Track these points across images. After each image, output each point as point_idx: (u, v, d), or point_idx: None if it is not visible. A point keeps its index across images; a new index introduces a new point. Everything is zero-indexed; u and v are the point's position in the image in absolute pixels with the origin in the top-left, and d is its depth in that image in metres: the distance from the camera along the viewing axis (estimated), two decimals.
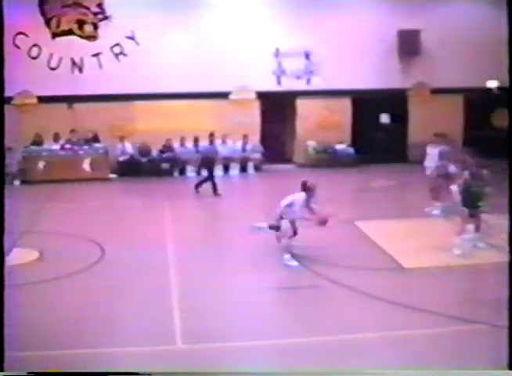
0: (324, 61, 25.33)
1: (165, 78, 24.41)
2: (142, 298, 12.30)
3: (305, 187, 14.61)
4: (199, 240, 16.37)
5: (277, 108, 25.86)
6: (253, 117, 25.66)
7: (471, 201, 15.01)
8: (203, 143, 23.34)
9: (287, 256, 14.42)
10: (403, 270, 14.14)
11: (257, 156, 25.50)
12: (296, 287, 13.08)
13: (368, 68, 25.70)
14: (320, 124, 26.00)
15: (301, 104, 26.12)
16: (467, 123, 26.74)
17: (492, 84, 24.87)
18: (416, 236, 16.30)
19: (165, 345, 10.33)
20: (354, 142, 26.15)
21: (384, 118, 26.86)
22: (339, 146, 26.03)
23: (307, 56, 25.67)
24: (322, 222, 14.51)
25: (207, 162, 21.76)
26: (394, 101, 26.17)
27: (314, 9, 24.93)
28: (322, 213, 14.62)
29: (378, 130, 26.36)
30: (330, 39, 25.21)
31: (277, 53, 25.53)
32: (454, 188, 15.29)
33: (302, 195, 14.55)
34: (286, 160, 26.69)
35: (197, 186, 21.52)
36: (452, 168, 17.47)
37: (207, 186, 21.37)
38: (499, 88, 24.32)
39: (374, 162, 24.96)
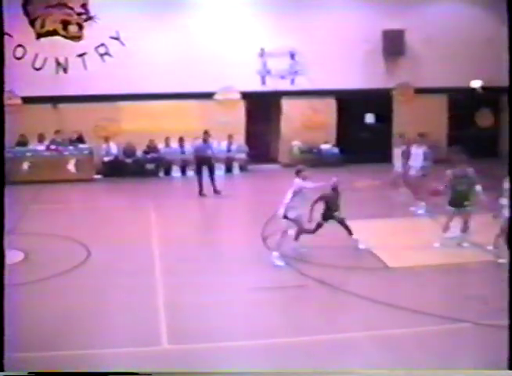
0: (309, 61, 25.38)
1: (150, 79, 24.39)
2: (127, 299, 12.29)
3: (297, 172, 14.71)
4: (184, 240, 16.36)
5: (262, 108, 25.90)
6: (238, 117, 25.68)
7: (457, 200, 15.12)
8: (193, 143, 23.13)
9: (276, 254, 14.46)
10: (388, 269, 14.20)
11: (243, 156, 25.53)
12: (282, 286, 13.09)
13: (352, 68, 25.78)
14: (305, 124, 26.06)
15: (285, 104, 26.17)
16: (451, 122, 26.87)
17: (476, 83, 25.01)
18: (400, 235, 16.39)
19: (151, 345, 10.35)
20: (339, 142, 26.23)
21: (369, 118, 26.94)
22: (324, 146, 26.10)
23: (292, 56, 25.71)
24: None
25: (204, 161, 21.70)
26: (379, 101, 26.27)
27: (299, 9, 25.00)
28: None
29: (363, 130, 26.46)
30: (315, 39, 25.26)
31: (262, 53, 25.55)
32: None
33: (297, 181, 14.59)
34: (272, 160, 26.73)
35: (200, 190, 21.41)
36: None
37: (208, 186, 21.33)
38: (483, 88, 24.44)
39: (359, 162, 25.02)
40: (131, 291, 12.63)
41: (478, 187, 15.03)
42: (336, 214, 15.33)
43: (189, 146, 24.68)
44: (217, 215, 20.13)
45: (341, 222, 15.33)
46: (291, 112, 26.05)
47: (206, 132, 21.99)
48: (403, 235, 16.39)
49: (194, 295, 12.50)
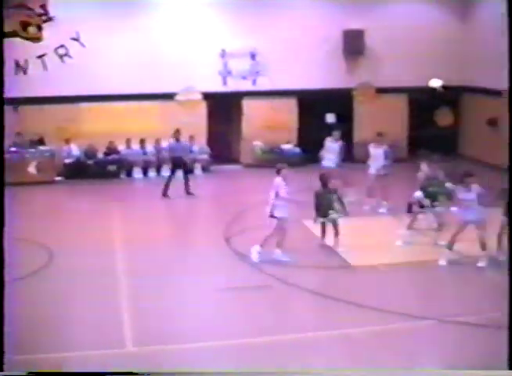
0: (270, 61, 25.42)
1: (111, 80, 24.24)
2: (90, 302, 12.26)
3: (277, 171, 14.87)
4: (148, 241, 16.33)
5: (223, 109, 25.89)
6: (199, 117, 25.62)
7: (428, 201, 15.32)
8: (169, 143, 22.83)
9: (278, 251, 14.56)
10: (351, 268, 14.32)
11: (205, 157, 25.49)
12: (246, 287, 13.14)
13: (313, 68, 25.87)
14: (266, 124, 26.07)
15: (247, 105, 26.18)
16: (412, 122, 27.09)
17: (436, 83, 25.24)
18: (363, 234, 16.52)
19: (116, 348, 10.33)
20: (300, 142, 26.30)
21: (330, 118, 27.02)
22: (285, 146, 26.16)
23: (252, 56, 25.74)
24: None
25: (178, 161, 21.61)
26: (340, 101, 26.37)
27: (259, 9, 25.02)
28: None
29: (324, 130, 26.50)
30: (276, 40, 25.31)
31: (223, 54, 25.54)
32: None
33: (278, 180, 14.76)
34: (234, 160, 26.74)
35: (165, 191, 21.29)
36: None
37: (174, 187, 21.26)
38: (443, 87, 24.66)
39: (321, 161, 25.05)
40: (95, 294, 12.59)
41: (449, 184, 15.20)
42: (330, 212, 15.28)
43: (154, 147, 24.72)
44: (181, 216, 20.10)
45: (333, 222, 15.34)
46: (253, 112, 26.08)
47: (177, 131, 21.78)
48: (365, 234, 16.53)
49: (158, 297, 12.50)
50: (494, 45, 23.84)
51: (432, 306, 12.23)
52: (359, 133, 26.55)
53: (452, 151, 26.05)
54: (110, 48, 24.39)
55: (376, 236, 16.22)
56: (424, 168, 16.93)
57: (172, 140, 21.73)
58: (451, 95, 26.67)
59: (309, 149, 25.37)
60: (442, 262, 14.32)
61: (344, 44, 26.14)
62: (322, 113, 26.67)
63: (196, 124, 25.41)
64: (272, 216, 14.61)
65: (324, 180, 15.56)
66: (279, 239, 14.69)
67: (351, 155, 26.20)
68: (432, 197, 15.41)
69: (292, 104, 26.34)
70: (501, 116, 23.84)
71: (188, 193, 21.18)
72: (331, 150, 20.47)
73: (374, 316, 11.65)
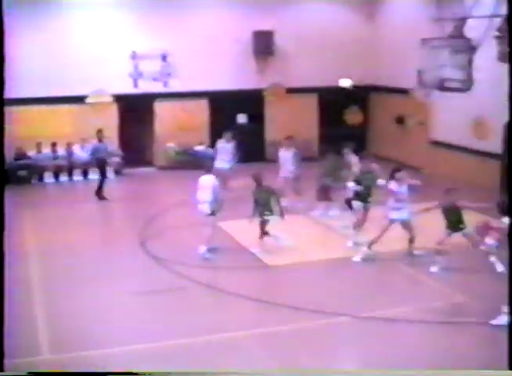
0: (181, 63, 25.39)
1: (20, 83, 23.75)
2: (4, 310, 12.05)
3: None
4: (61, 247, 16.14)
5: (135, 111, 25.69)
6: (110, 120, 25.36)
7: (363, 195, 15.57)
8: (92, 144, 22.40)
9: (204, 248, 14.79)
10: (267, 268, 14.46)
11: (117, 160, 25.24)
12: (161, 290, 13.13)
13: (224, 69, 25.98)
14: (179, 126, 26.03)
15: (159, 106, 26.08)
16: (322, 121, 27.45)
17: (345, 82, 25.67)
18: (278, 233, 16.64)
19: (32, 356, 10.21)
20: (213, 143, 26.28)
21: (241, 118, 27.18)
22: (198, 148, 26.17)
23: (163, 58, 25.66)
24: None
25: (101, 162, 21.32)
26: (251, 101, 26.55)
27: (169, 10, 24.96)
28: None
29: (236, 130, 26.61)
30: (187, 41, 25.30)
31: (134, 55, 25.37)
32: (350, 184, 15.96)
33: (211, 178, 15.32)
34: (147, 163, 26.59)
35: (99, 192, 20.99)
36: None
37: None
38: (353, 86, 25.09)
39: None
40: (8, 302, 12.37)
41: (381, 181, 15.49)
42: (266, 213, 15.31)
43: (65, 151, 24.41)
44: (94, 221, 19.87)
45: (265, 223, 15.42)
46: (165, 114, 26.01)
47: (100, 131, 21.48)
48: (280, 233, 16.66)
49: (73, 303, 12.39)
50: (401, 45, 24.45)
51: (347, 303, 12.46)
52: (271, 133, 26.77)
53: (361, 149, 26.51)
54: (19, 51, 23.88)
55: (291, 235, 16.36)
56: (354, 160, 17.28)
57: (95, 141, 21.42)
58: (360, 94, 27.19)
59: None
60: (357, 259, 14.60)
61: (254, 45, 26.29)
62: (233, 113, 26.80)
63: (107, 126, 25.15)
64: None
65: (257, 179, 15.59)
66: (209, 236, 15.07)
67: (263, 155, 26.46)
68: (366, 190, 15.63)
69: (204, 105, 26.38)
70: (408, 114, 24.47)
71: (100, 197, 20.90)
72: (224, 151, 20.80)
73: (291, 315, 11.80)
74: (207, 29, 25.53)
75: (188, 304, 12.56)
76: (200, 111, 26.32)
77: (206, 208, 15.08)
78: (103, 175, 21.33)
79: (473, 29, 16.14)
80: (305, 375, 9.48)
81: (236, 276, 14.06)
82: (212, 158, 25.14)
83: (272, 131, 26.72)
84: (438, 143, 23.47)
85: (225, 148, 20.80)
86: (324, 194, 18.36)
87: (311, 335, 11.08)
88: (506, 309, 11.34)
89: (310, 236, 16.46)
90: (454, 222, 13.55)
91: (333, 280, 13.91)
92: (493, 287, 12.33)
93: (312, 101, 27.38)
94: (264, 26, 25.94)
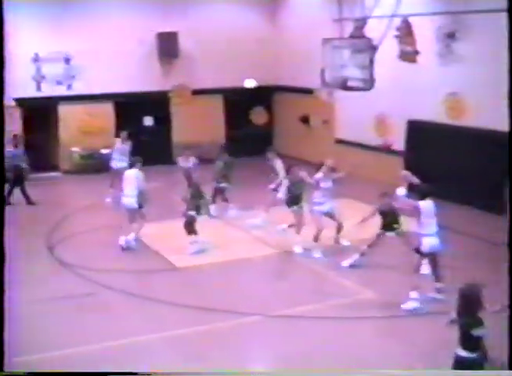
0: (85, 65, 25.05)
1: None
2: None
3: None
4: None
5: (39, 115, 25.22)
6: (13, 125, 24.77)
7: (293, 201, 15.76)
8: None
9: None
10: (177, 270, 14.46)
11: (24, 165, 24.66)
12: (71, 295, 12.99)
13: (129, 71, 25.74)
14: (84, 129, 25.68)
15: (63, 110, 25.67)
16: (228, 122, 27.56)
17: (250, 83, 25.85)
18: (186, 235, 16.65)
19: None
20: None
21: (148, 121, 27.03)
22: (104, 151, 25.86)
23: (67, 60, 25.29)
24: None
25: (17, 169, 20.77)
26: (157, 103, 26.43)
27: (72, 12, 24.61)
28: None
29: (142, 133, 26.47)
30: (90, 43, 24.94)
31: (36, 58, 24.93)
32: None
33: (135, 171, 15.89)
34: (52, 167, 26.11)
35: (8, 195, 20.37)
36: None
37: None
38: (257, 87, 25.26)
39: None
40: None
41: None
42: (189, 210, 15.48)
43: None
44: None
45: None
46: (69, 118, 25.62)
47: (15, 136, 21.03)
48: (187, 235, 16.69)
49: None
50: (303, 45, 24.76)
51: (259, 302, 12.58)
52: (178, 135, 26.71)
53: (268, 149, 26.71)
54: None
55: (200, 236, 16.41)
56: (279, 164, 17.45)
57: (11, 147, 20.79)
58: (265, 95, 27.42)
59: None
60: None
61: (158, 46, 26.19)
62: (139, 116, 26.63)
63: (9, 131, 24.60)
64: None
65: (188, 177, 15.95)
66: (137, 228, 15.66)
67: (171, 157, 26.38)
68: (297, 197, 15.81)
69: (109, 108, 26.10)
70: (313, 113, 24.81)
71: (8, 203, 20.47)
72: (122, 152, 20.93)
73: (203, 316, 11.86)
74: (110, 31, 25.27)
75: (99, 309, 12.43)
76: (105, 114, 26.04)
77: (132, 202, 15.27)
78: (18, 182, 20.83)
79: (373, 29, 16.45)
80: (305, 375, 9.53)
81: (147, 280, 14.04)
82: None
83: (179, 133, 26.67)
84: (342, 141, 23.87)
85: (123, 148, 20.95)
86: (219, 196, 18.61)
87: (224, 336, 11.15)
88: (414, 294, 11.75)
89: (220, 237, 16.52)
90: (389, 222, 13.88)
91: (244, 279, 14.03)
92: (400, 283, 12.68)
93: (218, 102, 27.45)
94: (168, 27, 25.86)
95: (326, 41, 16.86)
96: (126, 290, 13.19)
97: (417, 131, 20.61)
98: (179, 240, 15.94)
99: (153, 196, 17.56)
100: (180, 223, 15.46)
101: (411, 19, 20.27)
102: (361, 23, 16.60)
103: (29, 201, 20.86)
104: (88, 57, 25.02)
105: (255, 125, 27.54)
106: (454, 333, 8.03)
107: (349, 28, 17.16)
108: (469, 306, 7.91)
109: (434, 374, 9.05)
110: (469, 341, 7.89)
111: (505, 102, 17.29)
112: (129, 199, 15.63)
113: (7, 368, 8.63)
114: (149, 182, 18.70)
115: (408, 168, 20.98)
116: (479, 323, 7.85)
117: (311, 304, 12.29)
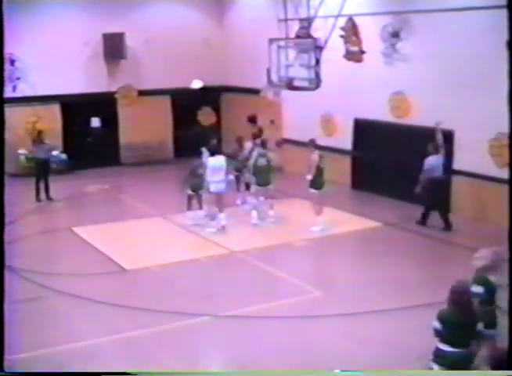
0: (30, 67, 24.75)
1: None
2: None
3: None
4: None
5: None
6: None
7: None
8: None
9: None
10: (125, 272, 14.40)
11: None
12: (19, 300, 12.83)
13: (75, 72, 25.47)
14: (29, 131, 25.37)
15: (8, 112, 25.10)
16: (176, 122, 27.49)
17: (197, 84, 25.79)
18: (135, 237, 16.63)
19: None
20: (66, 148, 25.80)
21: (95, 122, 26.79)
22: (52, 153, 25.59)
23: (11, 62, 24.94)
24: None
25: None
26: (104, 104, 26.22)
27: (16, 13, 24.23)
28: None
29: (89, 134, 26.30)
30: (36, 45, 24.60)
31: None
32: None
33: None
34: None
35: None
36: None
37: None
38: (204, 88, 25.24)
39: (88, 167, 24.84)
40: None
41: None
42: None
43: None
44: None
45: None
46: (14, 120, 25.22)
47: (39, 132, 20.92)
48: (137, 237, 16.65)
49: None
50: (249, 45, 24.82)
51: (208, 302, 12.61)
52: (125, 136, 26.56)
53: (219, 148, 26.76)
54: None
55: (148, 238, 16.39)
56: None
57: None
58: (212, 95, 27.43)
59: (75, 155, 25.07)
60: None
61: (104, 47, 25.99)
62: (86, 117, 26.40)
63: None
64: None
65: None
66: None
67: (118, 158, 26.26)
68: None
69: (55, 110, 25.81)
70: (260, 113, 24.86)
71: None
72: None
73: (152, 318, 11.83)
74: (56, 32, 24.93)
75: (47, 313, 12.32)
76: (52, 116, 25.73)
77: None
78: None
79: (319, 29, 16.55)
80: (305, 375, 9.50)
81: (95, 283, 13.92)
82: (66, 163, 24.78)
83: (126, 134, 26.53)
84: (289, 141, 23.99)
85: None
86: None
87: (173, 337, 11.14)
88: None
89: (166, 237, 16.49)
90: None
91: (192, 280, 14.03)
92: (349, 280, 12.79)
93: (166, 103, 27.35)
94: (114, 28, 25.67)
95: (272, 41, 16.92)
96: (73, 293, 13.07)
97: (363, 129, 20.85)
98: (128, 242, 15.90)
99: (101, 198, 17.54)
100: (129, 225, 15.40)
101: (356, 19, 20.49)
102: (306, 23, 16.68)
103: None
104: (33, 58, 24.70)
105: (203, 126, 27.54)
106: (406, 334, 8.10)
107: (295, 28, 17.23)
108: (464, 302, 7.94)
109: (434, 374, 9.03)
110: (466, 336, 7.93)
111: (447, 101, 17.78)
112: None
113: None
114: (96, 184, 18.72)
115: (355, 165, 21.34)
116: (493, 322, 7.88)
117: (260, 304, 12.33)
